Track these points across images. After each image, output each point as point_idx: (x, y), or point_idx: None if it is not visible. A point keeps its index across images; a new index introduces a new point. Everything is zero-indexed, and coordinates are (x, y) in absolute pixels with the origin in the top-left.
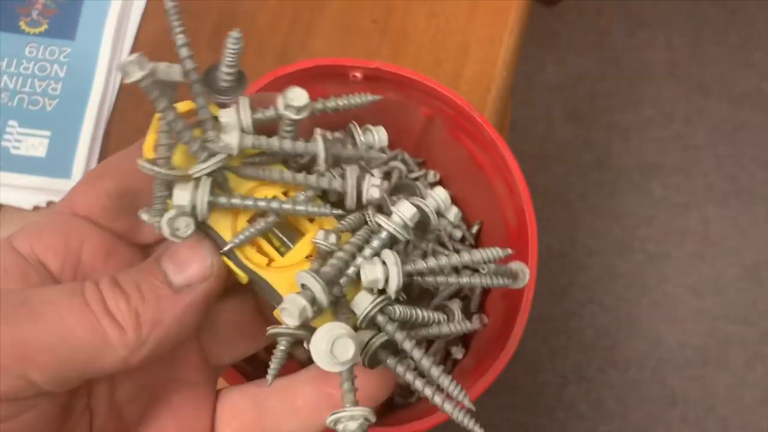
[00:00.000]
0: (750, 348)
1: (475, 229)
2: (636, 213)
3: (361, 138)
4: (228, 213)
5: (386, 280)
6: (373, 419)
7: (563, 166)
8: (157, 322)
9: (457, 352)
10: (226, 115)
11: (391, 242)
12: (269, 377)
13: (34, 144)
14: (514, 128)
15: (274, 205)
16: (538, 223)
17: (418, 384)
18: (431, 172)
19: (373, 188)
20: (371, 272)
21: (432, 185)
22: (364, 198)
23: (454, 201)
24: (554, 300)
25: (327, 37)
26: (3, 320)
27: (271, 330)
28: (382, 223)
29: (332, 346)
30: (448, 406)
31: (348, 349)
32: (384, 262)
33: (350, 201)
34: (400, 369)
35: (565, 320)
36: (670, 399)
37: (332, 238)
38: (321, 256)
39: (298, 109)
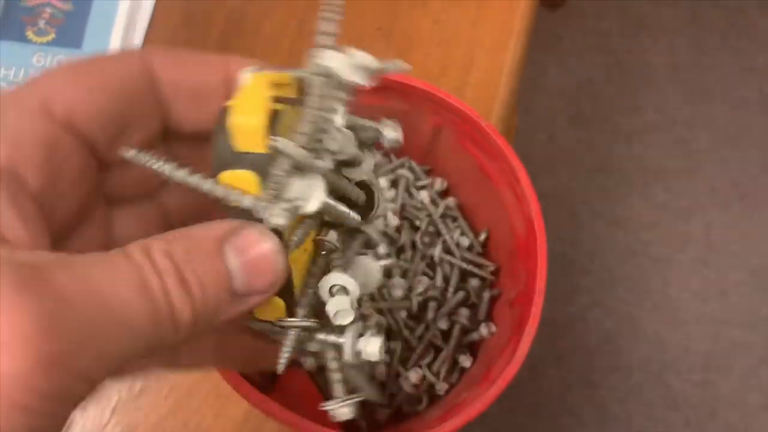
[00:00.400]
0: (754, 353)
1: (482, 237)
2: (639, 217)
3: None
4: None
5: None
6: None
7: (566, 170)
8: (209, 324)
9: (465, 361)
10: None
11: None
12: (280, 365)
13: None
14: (517, 133)
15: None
16: None
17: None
18: (438, 180)
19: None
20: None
21: (440, 194)
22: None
23: (462, 209)
24: (557, 305)
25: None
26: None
27: (284, 323)
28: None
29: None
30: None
31: (376, 345)
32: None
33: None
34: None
35: (568, 325)
36: (673, 403)
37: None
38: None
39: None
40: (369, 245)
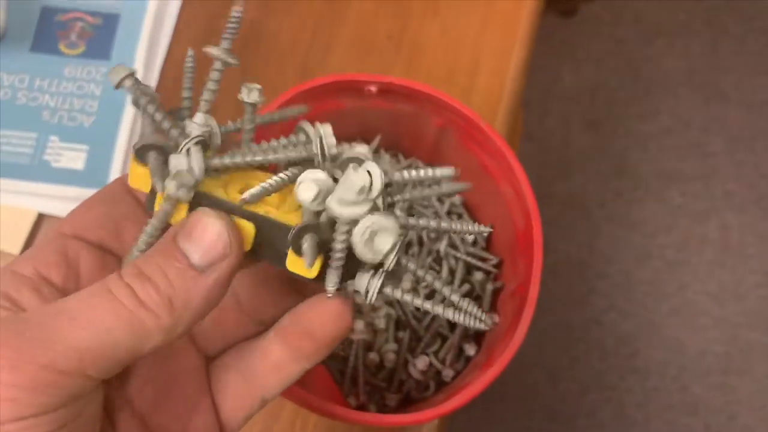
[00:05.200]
0: None
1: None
2: (655, 221)
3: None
4: (218, 186)
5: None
6: None
7: (582, 174)
8: (188, 304)
9: (470, 349)
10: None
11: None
12: (330, 291)
13: (73, 157)
14: (533, 138)
15: (260, 156)
16: (556, 231)
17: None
18: None
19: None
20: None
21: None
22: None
23: (466, 206)
24: (574, 308)
25: (345, 53)
26: (53, 333)
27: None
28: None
29: (374, 236)
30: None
31: (387, 241)
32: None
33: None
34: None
35: (584, 328)
36: (692, 407)
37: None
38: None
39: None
40: None
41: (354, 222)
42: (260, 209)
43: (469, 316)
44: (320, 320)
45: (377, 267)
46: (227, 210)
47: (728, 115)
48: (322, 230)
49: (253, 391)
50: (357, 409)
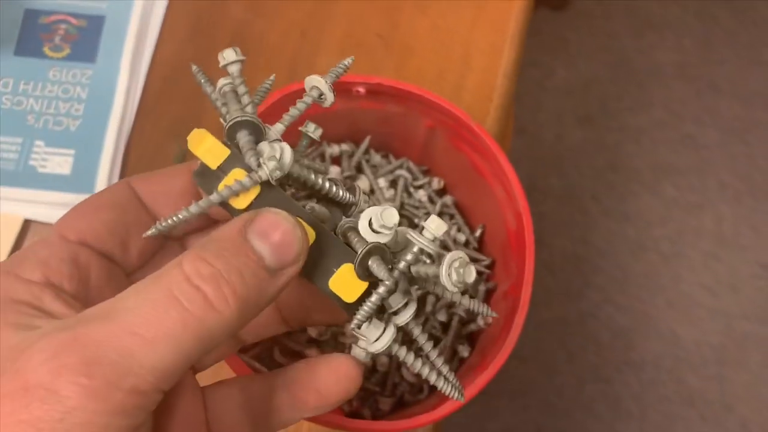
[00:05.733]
0: (767, 346)
1: (478, 232)
2: (649, 213)
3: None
4: None
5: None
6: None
7: (575, 169)
8: (258, 306)
9: (464, 351)
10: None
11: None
12: (356, 324)
13: (60, 162)
14: (526, 133)
15: (327, 185)
16: (551, 226)
17: (401, 353)
18: (435, 179)
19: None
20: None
21: (437, 193)
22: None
23: (458, 206)
24: (569, 302)
25: (334, 52)
26: (131, 356)
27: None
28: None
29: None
30: (433, 376)
31: (473, 274)
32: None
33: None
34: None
35: (580, 322)
36: (688, 398)
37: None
38: None
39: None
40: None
41: (416, 254)
42: None
43: (451, 386)
44: (334, 380)
45: (387, 321)
46: (295, 211)
47: (721, 107)
48: (387, 259)
49: (249, 428)
50: (350, 414)
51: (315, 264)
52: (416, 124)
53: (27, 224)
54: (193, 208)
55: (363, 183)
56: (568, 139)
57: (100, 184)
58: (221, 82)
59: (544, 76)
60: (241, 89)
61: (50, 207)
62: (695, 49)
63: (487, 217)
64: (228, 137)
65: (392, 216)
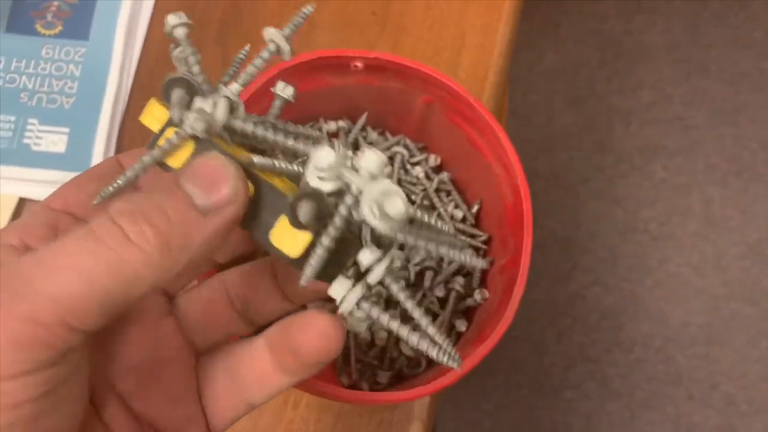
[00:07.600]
0: (753, 325)
1: (475, 208)
2: (638, 195)
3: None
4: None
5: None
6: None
7: (565, 151)
8: (186, 246)
9: (461, 325)
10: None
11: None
12: (306, 277)
13: (54, 140)
14: (517, 115)
15: (280, 137)
16: (541, 208)
17: (384, 320)
18: (432, 156)
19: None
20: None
21: (434, 169)
22: None
23: (455, 183)
24: (559, 283)
25: (329, 30)
26: (31, 283)
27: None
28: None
29: (383, 201)
30: (423, 343)
31: (398, 206)
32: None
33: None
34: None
35: (570, 303)
36: (675, 377)
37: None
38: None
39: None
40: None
41: (355, 195)
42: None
43: (443, 352)
44: (307, 339)
45: (359, 277)
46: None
47: (709, 88)
48: (325, 204)
49: (240, 395)
50: (349, 387)
51: (256, 218)
52: (413, 101)
53: (22, 203)
54: (129, 173)
55: None
56: (558, 122)
57: (96, 161)
58: (175, 51)
59: (534, 60)
60: (187, 50)
61: (45, 185)
62: (684, 31)
63: (484, 193)
64: (164, 97)
65: (324, 158)
